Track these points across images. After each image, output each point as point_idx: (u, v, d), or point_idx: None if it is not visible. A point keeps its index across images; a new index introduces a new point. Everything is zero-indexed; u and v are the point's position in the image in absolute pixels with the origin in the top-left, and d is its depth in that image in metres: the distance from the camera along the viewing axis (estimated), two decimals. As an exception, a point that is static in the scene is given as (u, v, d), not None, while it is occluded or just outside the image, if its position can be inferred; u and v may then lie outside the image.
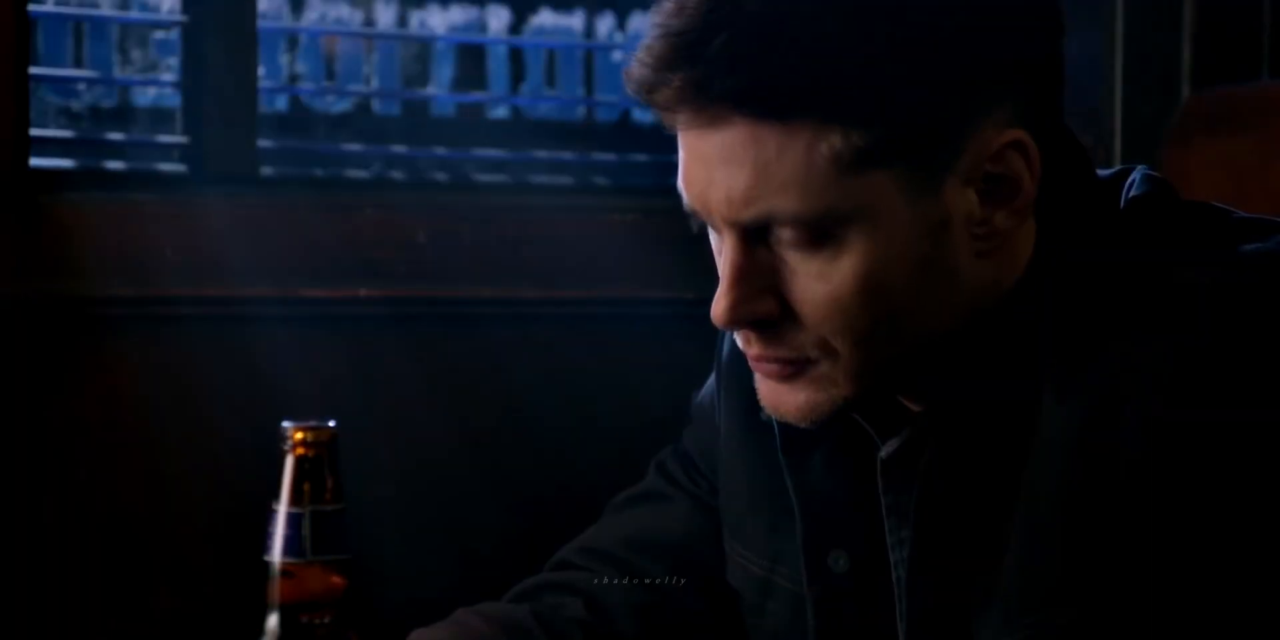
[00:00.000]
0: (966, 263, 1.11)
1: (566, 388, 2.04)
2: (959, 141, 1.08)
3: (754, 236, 1.10)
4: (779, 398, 1.14)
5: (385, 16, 2.19)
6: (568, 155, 2.23)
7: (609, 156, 2.25)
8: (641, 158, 2.26)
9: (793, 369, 1.12)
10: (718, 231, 1.12)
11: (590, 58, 2.28)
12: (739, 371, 1.29)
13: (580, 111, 2.29)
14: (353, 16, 2.18)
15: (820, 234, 1.08)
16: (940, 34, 1.07)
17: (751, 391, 1.26)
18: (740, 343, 1.15)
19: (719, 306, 1.11)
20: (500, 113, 2.26)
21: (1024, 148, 1.09)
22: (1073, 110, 1.16)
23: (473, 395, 2.01)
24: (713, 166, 1.08)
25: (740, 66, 1.05)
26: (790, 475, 1.22)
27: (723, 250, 1.11)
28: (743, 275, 1.10)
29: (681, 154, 1.11)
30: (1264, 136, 1.60)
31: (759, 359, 1.13)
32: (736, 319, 1.11)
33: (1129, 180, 1.16)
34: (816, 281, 1.09)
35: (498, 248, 2.01)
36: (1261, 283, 1.07)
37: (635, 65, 1.10)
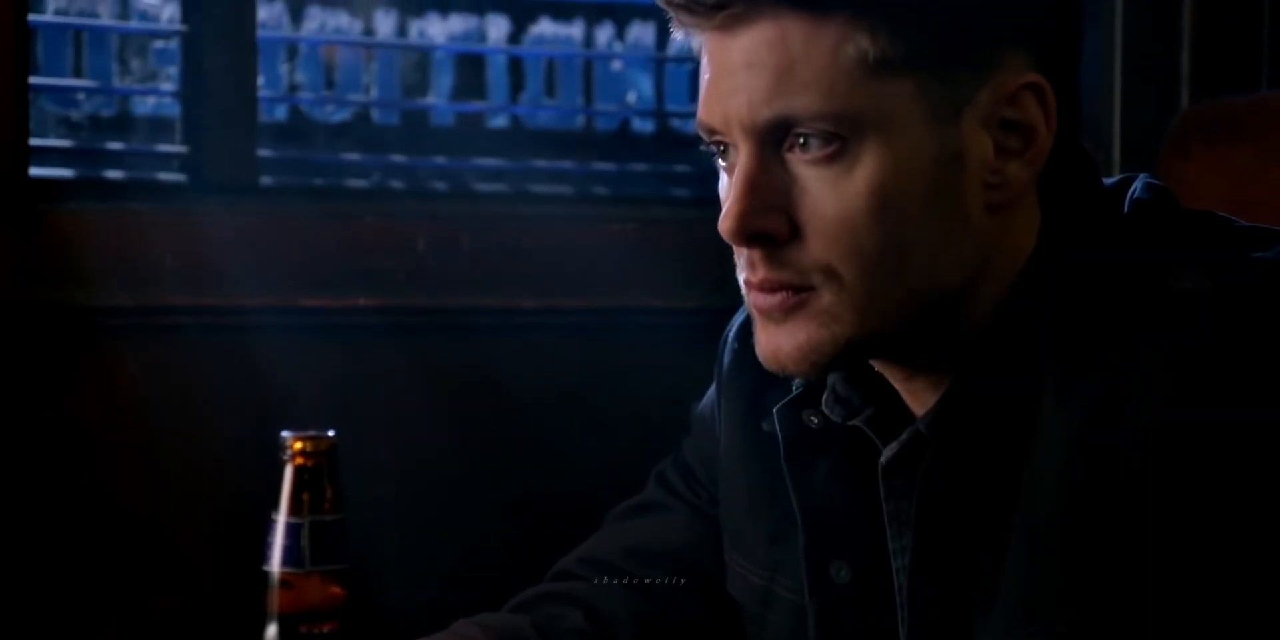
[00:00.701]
0: (977, 212, 1.11)
1: (566, 397, 2.04)
2: (981, 69, 1.09)
3: (769, 148, 1.10)
4: (777, 342, 1.12)
5: (384, 26, 2.19)
6: (567, 164, 2.23)
7: (608, 166, 2.25)
8: (641, 167, 2.26)
9: (794, 299, 1.10)
10: (733, 147, 1.12)
11: (590, 67, 2.28)
12: (740, 381, 1.29)
13: (579, 121, 2.29)
14: (352, 26, 2.18)
15: (837, 139, 1.08)
16: None
17: (753, 401, 1.26)
18: (745, 272, 1.13)
19: (727, 219, 1.10)
20: (500, 122, 2.26)
21: (1041, 92, 1.10)
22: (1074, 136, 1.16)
23: (472, 404, 2.01)
24: (736, 72, 1.09)
25: None
26: (793, 484, 1.21)
27: (735, 167, 1.11)
28: (754, 187, 1.10)
29: (705, 73, 1.12)
30: (1263, 146, 1.60)
31: (762, 284, 1.11)
32: (744, 229, 1.10)
33: (1131, 188, 1.17)
34: (829, 195, 1.08)
35: (497, 257, 2.01)
36: (1266, 287, 1.07)
37: None
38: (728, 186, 1.13)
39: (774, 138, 1.10)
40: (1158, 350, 1.05)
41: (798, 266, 1.10)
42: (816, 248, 1.09)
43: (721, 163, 1.15)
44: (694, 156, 2.24)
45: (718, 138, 1.13)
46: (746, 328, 1.30)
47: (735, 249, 1.14)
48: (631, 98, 2.30)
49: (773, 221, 1.10)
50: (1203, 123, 1.69)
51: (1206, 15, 2.09)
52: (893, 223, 1.09)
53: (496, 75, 2.25)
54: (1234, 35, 2.10)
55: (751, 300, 1.14)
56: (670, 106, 2.31)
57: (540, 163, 2.21)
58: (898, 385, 1.18)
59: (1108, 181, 1.19)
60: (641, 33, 2.29)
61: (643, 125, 2.30)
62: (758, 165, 1.10)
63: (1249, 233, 1.14)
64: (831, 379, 1.20)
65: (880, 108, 1.08)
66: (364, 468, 1.86)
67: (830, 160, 1.09)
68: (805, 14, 1.08)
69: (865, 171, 1.08)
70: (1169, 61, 2.04)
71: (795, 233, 1.10)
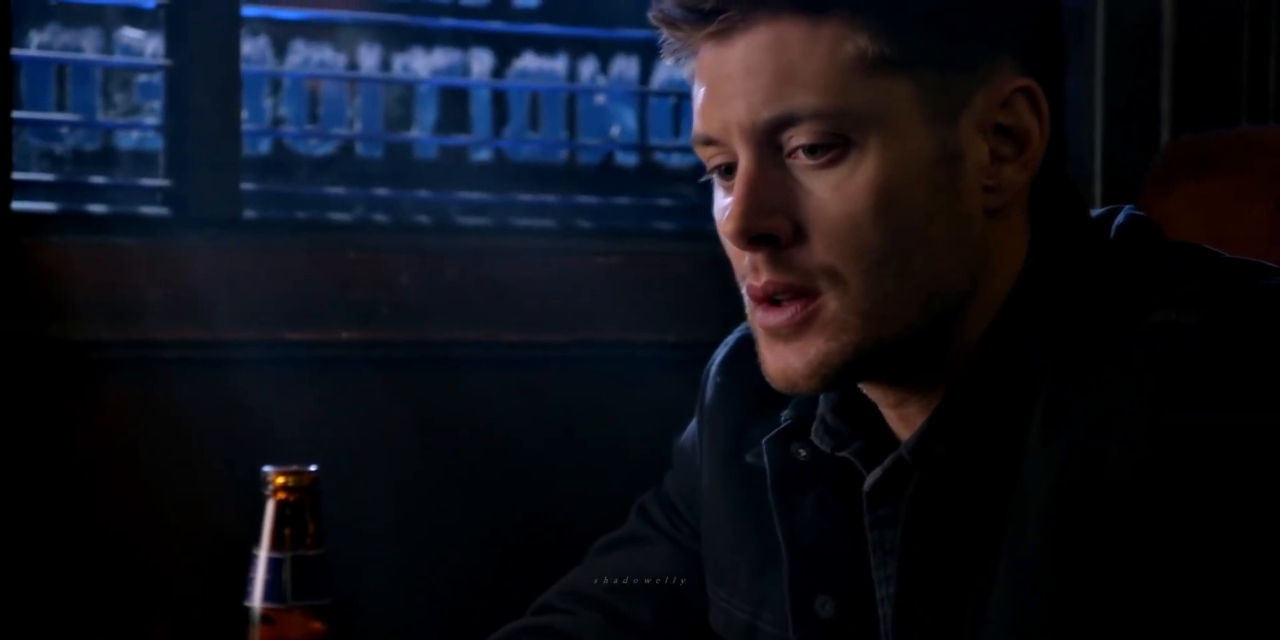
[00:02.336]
0: (977, 215, 1.12)
1: (550, 431, 2.04)
2: (976, 72, 1.11)
3: (770, 152, 1.10)
4: (787, 360, 1.12)
5: (369, 59, 2.20)
6: (550, 198, 2.23)
7: (592, 199, 2.26)
8: (624, 201, 2.27)
9: (803, 313, 1.10)
10: (732, 157, 1.12)
11: (573, 101, 2.29)
12: (723, 414, 1.29)
13: (563, 154, 2.29)
14: (336, 60, 2.19)
15: (838, 140, 1.09)
16: None
17: (737, 434, 1.26)
18: (749, 277, 1.13)
19: (730, 220, 1.10)
20: (483, 155, 2.26)
21: (1034, 97, 1.12)
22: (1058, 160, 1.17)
23: (456, 438, 2.01)
24: (734, 78, 1.10)
25: None
26: (779, 518, 1.21)
27: (737, 174, 1.11)
28: (756, 189, 1.10)
29: (700, 86, 1.13)
30: (1242, 181, 1.60)
31: (766, 287, 1.11)
32: (748, 230, 1.10)
33: (1117, 217, 1.17)
34: (831, 196, 1.09)
35: (481, 291, 2.01)
36: (1259, 312, 1.06)
37: None
38: (722, 202, 1.13)
39: (775, 141, 1.11)
40: (1147, 377, 1.05)
41: (802, 269, 1.10)
42: (820, 249, 1.10)
43: (720, 182, 1.15)
44: (677, 190, 2.25)
45: (716, 151, 1.13)
46: (730, 361, 1.31)
47: (736, 259, 1.14)
48: (615, 131, 2.31)
49: (776, 222, 1.10)
50: (1183, 158, 1.70)
51: (1185, 53, 2.10)
52: (896, 222, 1.09)
53: (480, 109, 2.25)
54: (1213, 72, 2.11)
55: (758, 319, 1.13)
56: (654, 140, 2.31)
57: (524, 196, 2.22)
58: (888, 412, 1.18)
59: (1093, 212, 1.19)
60: (625, 67, 2.30)
61: (626, 159, 2.30)
62: (759, 168, 1.11)
63: (1234, 264, 1.14)
64: (821, 410, 1.20)
65: (880, 106, 1.09)
66: (348, 501, 1.86)
67: (832, 161, 1.09)
68: (803, 16, 1.09)
69: (867, 171, 1.09)
70: (1149, 98, 2.05)
71: (798, 235, 1.10)
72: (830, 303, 1.10)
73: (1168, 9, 2.04)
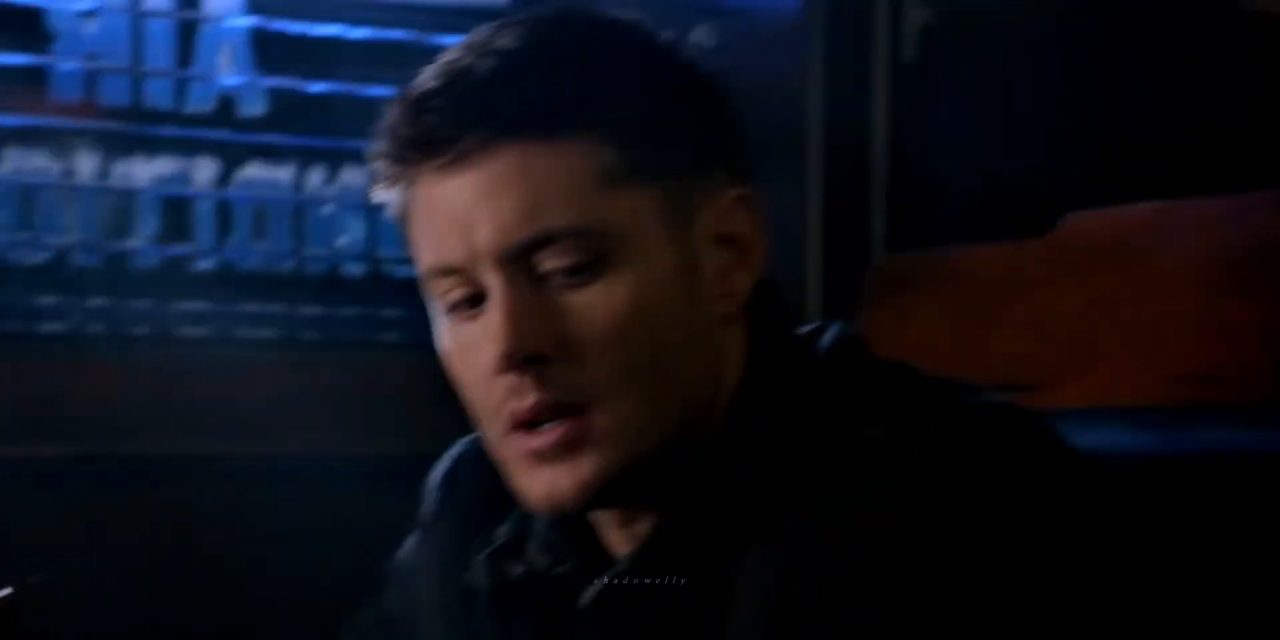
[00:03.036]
0: (715, 324, 1.13)
1: (266, 545, 2.00)
2: (700, 181, 1.13)
3: (524, 274, 1.10)
4: (555, 483, 1.11)
5: (87, 166, 2.15)
6: (275, 308, 2.20)
7: (317, 309, 2.23)
8: (351, 311, 2.25)
9: (573, 433, 1.10)
10: (476, 287, 1.11)
11: (300, 210, 2.27)
12: (442, 531, 1.27)
13: (289, 264, 2.27)
14: (52, 167, 2.13)
15: (594, 256, 1.10)
16: (676, 73, 1.15)
17: (455, 551, 1.24)
18: (510, 402, 1.11)
19: (496, 344, 1.09)
20: (206, 265, 2.23)
21: (749, 203, 1.15)
22: (774, 275, 1.19)
23: (171, 552, 1.96)
24: (475, 205, 1.10)
25: (507, 89, 1.09)
26: (497, 637, 1.20)
27: (491, 301, 1.11)
28: (518, 312, 1.09)
29: (430, 216, 1.12)
30: (950, 301, 1.66)
31: (534, 408, 1.10)
32: (516, 352, 1.09)
33: (825, 336, 1.19)
34: (592, 313, 1.10)
35: (201, 403, 1.98)
36: (955, 438, 1.09)
37: (392, 118, 1.12)
38: (464, 335, 1.12)
39: (528, 262, 1.10)
40: (860, 500, 1.06)
41: (570, 385, 1.10)
42: (587, 366, 1.10)
43: (460, 315, 1.13)
44: (405, 301, 2.24)
45: (455, 283, 1.12)
46: (452, 475, 1.29)
47: (485, 389, 1.12)
48: (343, 241, 2.30)
49: (543, 339, 1.10)
50: (894, 278, 1.75)
51: (898, 178, 2.17)
52: (656, 335, 1.11)
53: (204, 217, 2.22)
54: (923, 196, 2.19)
55: (517, 445, 1.11)
56: (382, 251, 2.30)
57: (248, 306, 2.18)
58: (615, 531, 1.17)
59: (803, 329, 1.22)
60: (353, 176, 2.29)
61: (354, 269, 2.29)
62: (516, 291, 1.10)
63: (938, 385, 1.17)
64: (539, 526, 1.19)
65: (628, 222, 1.11)
66: (52, 619, 1.79)
67: (591, 278, 1.10)
68: (542, 137, 1.10)
69: (624, 286, 1.10)
70: (863, 220, 2.11)
71: (563, 353, 1.10)
72: (599, 419, 1.10)
73: (880, 134, 2.11)
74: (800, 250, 2.12)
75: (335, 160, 2.29)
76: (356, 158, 2.28)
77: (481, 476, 1.19)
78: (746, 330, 1.16)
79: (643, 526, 1.15)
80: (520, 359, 1.10)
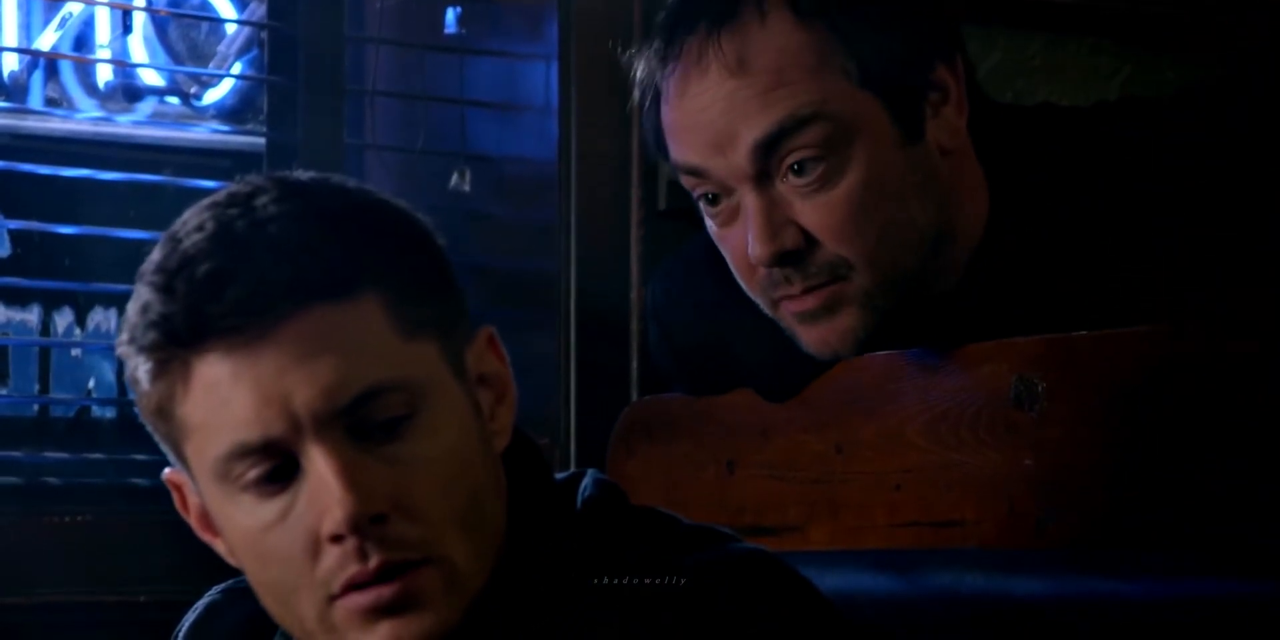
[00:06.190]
0: (493, 461, 1.16)
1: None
2: (458, 327, 1.16)
3: (344, 436, 1.10)
4: (398, 634, 1.11)
5: None
6: (18, 454, 2.15)
7: (63, 455, 2.19)
8: (98, 456, 2.21)
9: (413, 585, 1.11)
10: (292, 450, 1.10)
11: (47, 354, 2.23)
12: None
13: (35, 409, 2.22)
14: None
15: (410, 407, 1.11)
16: (425, 233, 1.18)
17: None
18: (350, 568, 1.10)
19: (338, 510, 1.08)
20: (-51, 410, 2.17)
21: (495, 343, 1.19)
22: (530, 416, 1.22)
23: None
24: (288, 371, 1.09)
25: (308, 255, 1.10)
26: None
27: (312, 467, 1.10)
28: (352, 474, 1.09)
29: (227, 392, 1.09)
30: (696, 445, 1.69)
31: (379, 571, 1.10)
32: (361, 515, 1.09)
33: (582, 484, 1.21)
34: (415, 463, 1.11)
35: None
36: (700, 593, 1.12)
37: (158, 299, 1.10)
38: (265, 513, 1.11)
39: (346, 423, 1.10)
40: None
41: (407, 542, 1.10)
42: (420, 518, 1.10)
43: (245, 490, 1.11)
44: (155, 446, 2.20)
45: (254, 460, 1.10)
46: (199, 626, 1.28)
47: (307, 561, 1.10)
48: (91, 385, 2.26)
49: (380, 502, 1.09)
50: (643, 421, 1.78)
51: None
52: (471, 481, 1.13)
53: (-53, 362, 2.17)
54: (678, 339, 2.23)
55: (358, 603, 1.11)
56: (132, 394, 2.27)
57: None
58: None
59: (560, 476, 1.24)
60: (103, 318, 2.26)
61: (102, 412, 2.25)
62: (345, 454, 1.10)
63: (694, 532, 1.20)
64: None
65: (428, 372, 1.13)
66: None
67: (408, 431, 1.11)
68: (346, 300, 1.11)
69: (439, 435, 1.12)
70: (620, 363, 2.14)
71: (399, 510, 1.10)
72: (435, 572, 1.11)
73: (635, 278, 2.16)
74: (555, 390, 2.14)
75: (85, 302, 2.26)
76: (105, 301, 2.25)
77: (234, 629, 1.18)
78: (506, 472, 1.18)
79: None
80: (365, 521, 1.09)
